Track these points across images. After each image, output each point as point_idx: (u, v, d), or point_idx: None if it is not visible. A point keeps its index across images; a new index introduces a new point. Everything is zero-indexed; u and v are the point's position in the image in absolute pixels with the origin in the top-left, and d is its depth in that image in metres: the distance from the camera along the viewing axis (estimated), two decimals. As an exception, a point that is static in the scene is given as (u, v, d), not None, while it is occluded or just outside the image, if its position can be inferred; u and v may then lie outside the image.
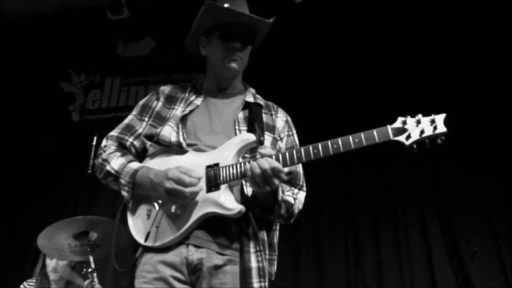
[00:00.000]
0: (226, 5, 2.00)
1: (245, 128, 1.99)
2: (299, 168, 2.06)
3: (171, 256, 1.81)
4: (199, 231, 1.82)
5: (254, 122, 1.99)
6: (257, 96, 2.18)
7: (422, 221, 4.61)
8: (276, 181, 1.71)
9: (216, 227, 1.83)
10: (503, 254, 4.26)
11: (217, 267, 1.80)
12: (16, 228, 5.36)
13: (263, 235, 1.90)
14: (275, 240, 2.00)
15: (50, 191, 5.51)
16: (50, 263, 3.82)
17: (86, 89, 5.94)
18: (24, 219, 5.37)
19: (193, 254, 1.80)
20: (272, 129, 2.07)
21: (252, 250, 1.80)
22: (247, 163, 1.75)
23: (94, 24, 5.71)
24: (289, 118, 2.18)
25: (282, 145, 2.07)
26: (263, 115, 2.09)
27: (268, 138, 2.01)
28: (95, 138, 3.73)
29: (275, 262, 1.97)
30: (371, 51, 5.20)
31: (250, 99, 2.11)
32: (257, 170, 1.69)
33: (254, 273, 1.77)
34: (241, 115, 2.04)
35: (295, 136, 2.15)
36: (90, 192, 5.28)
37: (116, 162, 1.94)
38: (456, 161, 4.66)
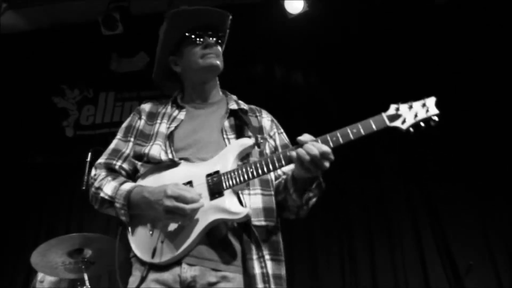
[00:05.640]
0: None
1: (233, 136, 1.98)
2: None
3: (164, 275, 1.79)
4: (197, 246, 1.79)
5: (243, 128, 2.00)
6: (240, 101, 2.18)
7: (417, 234, 4.62)
8: (327, 164, 1.70)
9: (215, 242, 1.81)
10: (498, 268, 4.27)
11: (211, 284, 1.77)
12: (7, 244, 5.30)
13: (265, 237, 1.86)
14: (280, 239, 1.96)
15: (43, 206, 5.47)
16: (39, 275, 3.78)
17: (80, 105, 5.94)
18: (15, 234, 5.33)
19: (187, 271, 1.77)
20: (259, 130, 2.07)
21: (255, 257, 1.79)
22: (293, 151, 1.73)
23: (88, 40, 5.72)
24: (273, 118, 2.19)
25: (275, 142, 2.09)
26: (250, 118, 2.09)
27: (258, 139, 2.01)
28: (90, 154, 3.70)
29: (283, 263, 1.93)
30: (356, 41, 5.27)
31: (233, 106, 2.10)
32: (307, 157, 1.68)
33: (259, 279, 1.76)
34: (226, 123, 2.03)
35: (284, 134, 2.17)
36: (83, 208, 5.24)
37: (108, 187, 1.92)
38: (449, 171, 4.68)
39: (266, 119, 2.14)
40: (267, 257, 1.82)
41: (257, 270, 1.76)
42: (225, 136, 1.97)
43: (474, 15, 4.97)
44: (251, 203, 1.87)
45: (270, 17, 5.33)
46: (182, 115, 2.08)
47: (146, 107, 2.18)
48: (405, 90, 4.93)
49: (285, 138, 2.14)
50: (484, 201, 4.56)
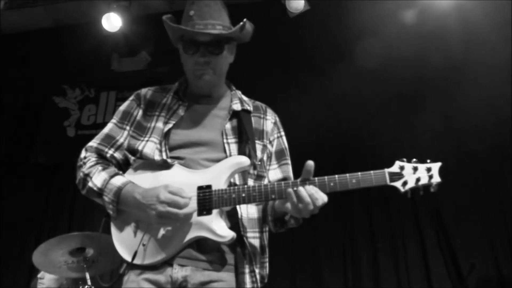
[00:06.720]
0: (191, 13, 1.93)
1: (233, 140, 1.94)
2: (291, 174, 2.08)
3: (156, 275, 1.79)
4: (185, 249, 1.80)
5: (245, 133, 1.94)
6: (244, 99, 2.12)
7: (419, 234, 4.60)
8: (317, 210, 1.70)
9: (205, 246, 1.81)
10: (501, 268, 4.24)
11: (203, 284, 1.77)
12: (9, 243, 5.29)
13: (257, 250, 1.88)
14: (266, 242, 1.98)
15: (44, 205, 5.47)
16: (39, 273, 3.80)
17: (81, 104, 5.93)
18: (17, 234, 5.33)
19: (178, 272, 1.77)
20: (261, 134, 2.02)
21: (246, 270, 1.80)
22: (293, 188, 1.70)
23: (88, 39, 5.72)
24: (277, 119, 2.14)
25: (272, 149, 2.06)
26: (252, 120, 2.03)
27: (258, 147, 1.97)
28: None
29: (267, 264, 1.96)
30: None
31: (237, 106, 2.03)
32: (307, 199, 1.67)
33: None
34: (228, 125, 1.97)
35: (284, 137, 2.12)
36: (85, 207, 5.24)
37: (98, 178, 1.86)
38: (450, 171, 4.65)
39: (270, 122, 2.09)
40: (257, 270, 1.85)
41: (248, 285, 1.79)
42: (225, 140, 1.93)
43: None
44: (248, 213, 1.88)
45: (271, 16, 5.31)
46: (182, 110, 2.01)
47: (147, 93, 2.10)
48: (405, 88, 4.92)
49: (282, 142, 2.11)
50: (487, 201, 4.54)
